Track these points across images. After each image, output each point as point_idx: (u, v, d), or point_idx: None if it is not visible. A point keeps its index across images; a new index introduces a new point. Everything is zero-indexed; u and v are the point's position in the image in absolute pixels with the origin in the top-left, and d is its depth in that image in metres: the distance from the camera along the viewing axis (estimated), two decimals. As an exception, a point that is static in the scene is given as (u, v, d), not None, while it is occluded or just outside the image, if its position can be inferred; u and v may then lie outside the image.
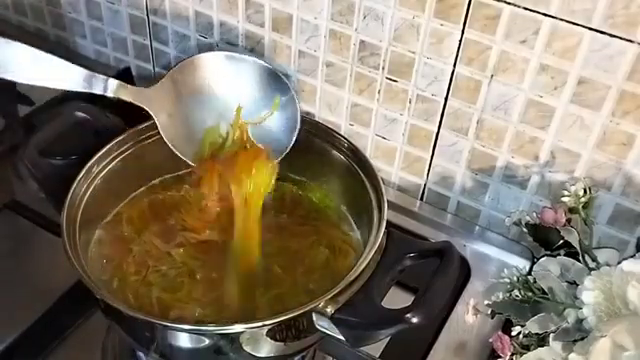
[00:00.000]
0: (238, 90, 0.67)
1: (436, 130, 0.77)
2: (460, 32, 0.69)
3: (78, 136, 0.76)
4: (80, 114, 0.84)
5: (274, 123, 0.67)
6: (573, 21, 0.62)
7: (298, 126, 0.67)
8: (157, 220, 0.68)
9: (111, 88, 0.58)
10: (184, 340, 0.56)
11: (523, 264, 0.67)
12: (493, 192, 0.78)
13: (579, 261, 0.63)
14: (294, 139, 0.66)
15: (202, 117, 0.66)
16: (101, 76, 0.57)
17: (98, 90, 0.57)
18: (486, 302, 0.64)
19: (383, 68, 0.76)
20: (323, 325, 0.55)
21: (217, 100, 0.67)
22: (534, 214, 0.68)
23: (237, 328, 0.54)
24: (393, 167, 0.83)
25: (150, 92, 0.60)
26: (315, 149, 0.69)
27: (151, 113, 0.59)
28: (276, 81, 0.67)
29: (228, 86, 0.67)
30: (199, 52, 0.89)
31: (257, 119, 0.65)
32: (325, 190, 0.71)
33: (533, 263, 0.66)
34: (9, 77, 0.52)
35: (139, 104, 0.59)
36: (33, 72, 0.52)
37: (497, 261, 0.78)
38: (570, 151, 0.70)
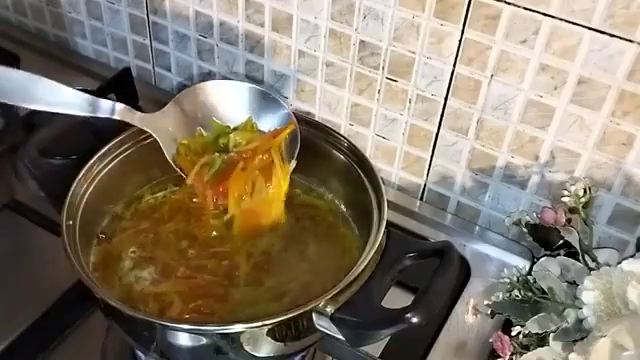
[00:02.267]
0: (238, 115, 0.69)
1: (436, 130, 0.77)
2: (460, 32, 0.69)
3: (78, 136, 0.76)
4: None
5: None
6: (573, 21, 0.62)
7: (298, 145, 0.68)
8: (157, 220, 0.68)
9: (117, 112, 0.59)
10: (184, 340, 0.56)
11: (523, 264, 0.67)
12: (493, 192, 0.78)
13: (579, 261, 0.63)
14: (294, 162, 0.67)
15: (204, 139, 0.68)
16: (107, 101, 0.58)
17: (104, 114, 0.59)
18: (486, 302, 0.64)
19: (383, 68, 0.76)
20: (323, 325, 0.55)
21: (218, 124, 0.69)
22: (534, 214, 0.68)
23: (237, 328, 0.54)
24: (393, 167, 0.83)
25: (155, 117, 0.62)
26: (315, 149, 0.69)
27: (155, 137, 0.61)
28: (274, 105, 0.69)
29: (229, 111, 0.69)
30: (199, 53, 0.89)
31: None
32: (325, 190, 0.71)
33: (533, 263, 0.66)
34: (17, 103, 0.54)
35: (144, 128, 0.61)
36: (40, 99, 0.54)
37: (497, 261, 0.78)
38: (570, 151, 0.70)
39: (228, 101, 0.69)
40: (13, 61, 0.96)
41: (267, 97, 0.69)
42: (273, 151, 0.65)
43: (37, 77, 0.57)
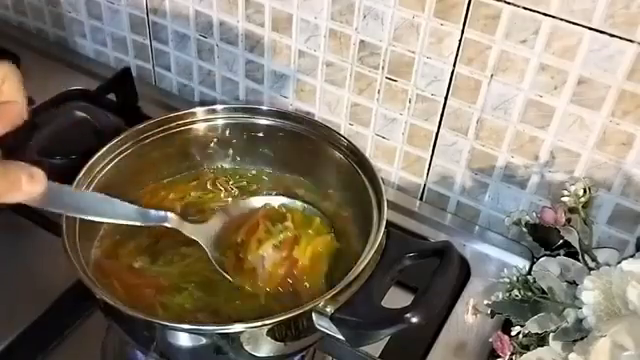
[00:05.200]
0: None
1: (436, 130, 0.77)
2: (460, 32, 0.69)
3: (78, 136, 0.76)
4: (80, 114, 0.84)
5: None
6: (573, 21, 0.63)
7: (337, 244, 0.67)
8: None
9: (170, 221, 0.62)
10: (184, 340, 0.56)
11: (523, 264, 0.67)
12: (493, 192, 0.78)
13: (579, 261, 0.63)
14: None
15: None
16: (160, 212, 0.61)
17: (160, 222, 0.61)
18: (486, 302, 0.64)
19: (383, 68, 0.76)
20: (323, 325, 0.55)
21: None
22: (534, 214, 0.68)
23: (237, 328, 0.54)
24: (393, 167, 0.83)
25: (202, 228, 0.64)
26: (315, 149, 0.69)
27: (204, 246, 0.62)
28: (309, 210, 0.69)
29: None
30: (199, 52, 0.89)
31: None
32: (325, 190, 0.71)
33: (533, 263, 0.66)
34: (76, 215, 0.58)
35: (193, 237, 0.62)
36: (102, 212, 0.58)
37: (497, 261, 0.78)
38: (570, 151, 0.70)
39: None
40: (13, 61, 0.96)
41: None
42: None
43: (92, 194, 0.61)
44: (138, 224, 0.60)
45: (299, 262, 0.64)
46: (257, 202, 0.69)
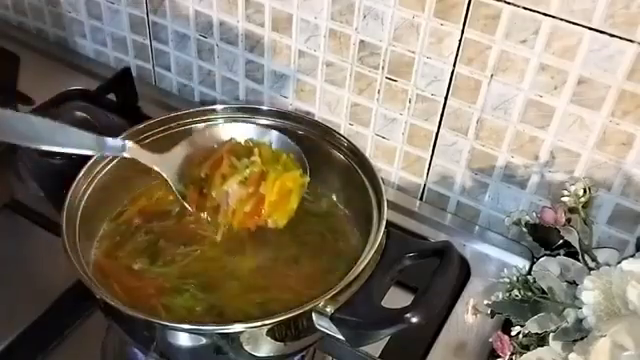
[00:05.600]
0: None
1: (436, 130, 0.77)
2: (460, 32, 0.69)
3: (78, 136, 0.76)
4: (80, 114, 0.84)
5: None
6: (573, 21, 0.63)
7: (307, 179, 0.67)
8: (157, 219, 0.68)
9: (128, 151, 0.60)
10: (184, 340, 0.56)
11: (523, 264, 0.67)
12: (493, 192, 0.78)
13: (579, 261, 0.63)
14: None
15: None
16: (116, 140, 0.59)
17: (116, 152, 0.60)
18: (486, 302, 0.64)
19: (383, 68, 0.76)
20: (323, 325, 0.55)
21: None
22: (534, 214, 0.68)
23: (237, 328, 0.54)
24: (393, 167, 0.83)
25: (164, 157, 0.63)
26: (315, 149, 0.69)
27: (165, 177, 0.62)
28: (280, 141, 0.68)
29: None
30: (199, 52, 0.89)
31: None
32: (325, 190, 0.71)
33: (533, 263, 0.66)
34: (32, 145, 0.55)
35: (153, 167, 0.61)
36: (54, 140, 0.55)
37: (497, 261, 0.78)
38: (570, 151, 0.70)
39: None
40: (13, 61, 0.96)
41: (276, 136, 0.68)
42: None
43: (44, 120, 0.57)
44: (93, 153, 0.57)
45: (266, 199, 0.62)
46: (224, 134, 0.67)
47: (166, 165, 0.61)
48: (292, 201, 0.64)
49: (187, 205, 0.61)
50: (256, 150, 0.66)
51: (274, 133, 0.68)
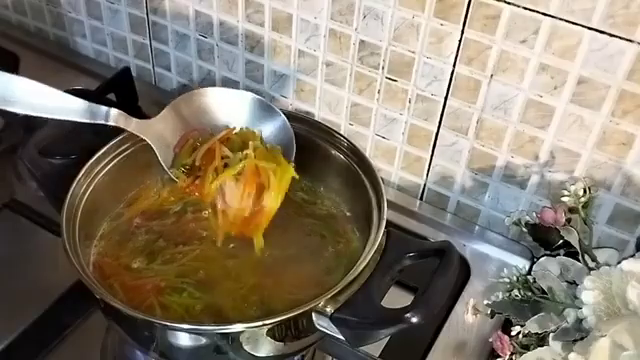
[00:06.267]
0: (233, 121, 0.69)
1: (436, 130, 0.77)
2: (460, 32, 0.69)
3: (78, 136, 0.76)
4: (80, 114, 0.84)
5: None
6: (573, 21, 0.62)
7: (294, 149, 0.67)
8: (157, 219, 0.68)
9: (112, 118, 0.60)
10: (184, 339, 0.56)
11: (523, 264, 0.67)
12: (493, 192, 0.78)
13: (579, 261, 0.63)
14: (292, 162, 0.67)
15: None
16: (102, 107, 0.59)
17: (99, 120, 0.59)
18: (486, 302, 0.64)
19: (383, 68, 0.76)
20: (323, 325, 0.55)
21: (214, 129, 0.68)
22: (534, 214, 0.68)
23: (237, 328, 0.54)
24: (393, 167, 0.83)
25: (150, 123, 0.62)
26: (315, 149, 0.69)
27: (150, 143, 0.61)
28: (268, 111, 0.68)
29: (226, 118, 0.69)
30: (199, 52, 0.89)
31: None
32: (325, 190, 0.71)
33: (533, 263, 0.66)
34: (12, 109, 0.54)
35: (139, 134, 0.61)
36: (36, 104, 0.55)
37: (497, 261, 0.78)
38: (570, 151, 0.70)
39: (225, 107, 0.69)
40: (13, 61, 0.96)
41: (263, 105, 0.68)
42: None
43: (32, 83, 0.57)
44: (75, 119, 0.57)
45: (269, 213, 0.63)
46: (211, 101, 0.67)
47: (152, 133, 0.61)
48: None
49: (174, 178, 0.62)
50: (250, 143, 0.66)
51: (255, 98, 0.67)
